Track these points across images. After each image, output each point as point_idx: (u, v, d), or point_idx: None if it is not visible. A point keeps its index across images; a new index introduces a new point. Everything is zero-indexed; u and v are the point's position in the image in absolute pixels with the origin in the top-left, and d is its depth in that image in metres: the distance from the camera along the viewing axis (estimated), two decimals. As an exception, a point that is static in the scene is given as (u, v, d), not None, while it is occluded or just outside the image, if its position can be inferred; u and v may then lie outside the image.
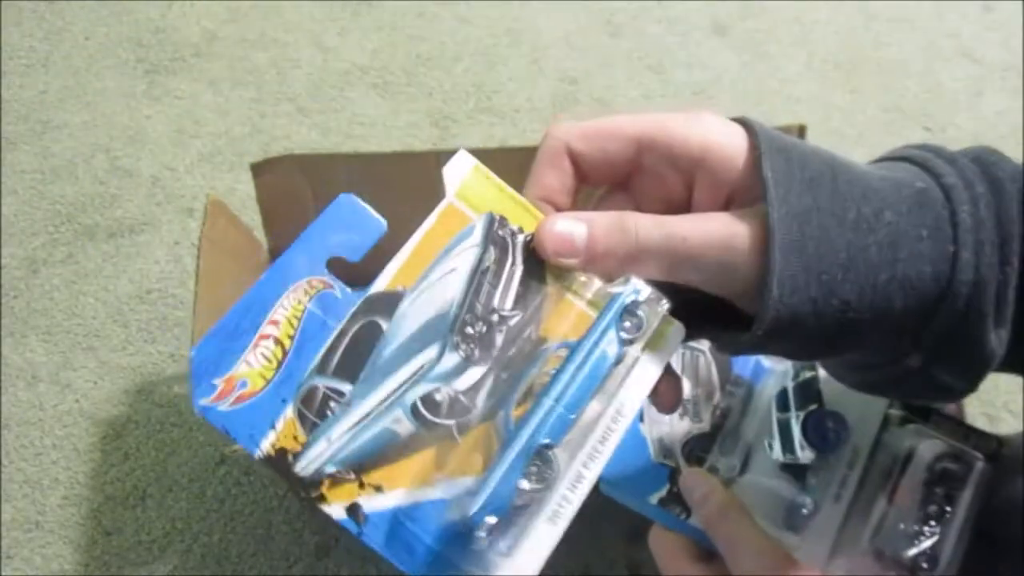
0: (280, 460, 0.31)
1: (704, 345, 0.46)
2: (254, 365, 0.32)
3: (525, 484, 0.31)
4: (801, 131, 0.80)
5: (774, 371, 0.47)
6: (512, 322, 0.33)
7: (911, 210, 0.31)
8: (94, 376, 0.89)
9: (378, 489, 0.32)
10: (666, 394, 0.43)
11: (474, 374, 0.33)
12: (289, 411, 0.32)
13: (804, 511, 0.43)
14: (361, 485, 0.32)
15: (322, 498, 0.31)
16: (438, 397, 0.32)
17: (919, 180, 0.32)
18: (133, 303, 0.94)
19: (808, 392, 0.44)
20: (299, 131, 1.08)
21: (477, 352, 0.33)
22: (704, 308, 0.34)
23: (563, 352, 0.33)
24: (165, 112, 1.10)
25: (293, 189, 0.77)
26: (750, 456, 0.45)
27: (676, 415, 0.45)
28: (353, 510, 0.31)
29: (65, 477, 0.82)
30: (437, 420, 0.32)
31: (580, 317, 0.34)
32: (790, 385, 0.45)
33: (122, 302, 0.94)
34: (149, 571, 0.78)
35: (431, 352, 0.33)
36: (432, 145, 1.08)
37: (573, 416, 0.32)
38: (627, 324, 0.33)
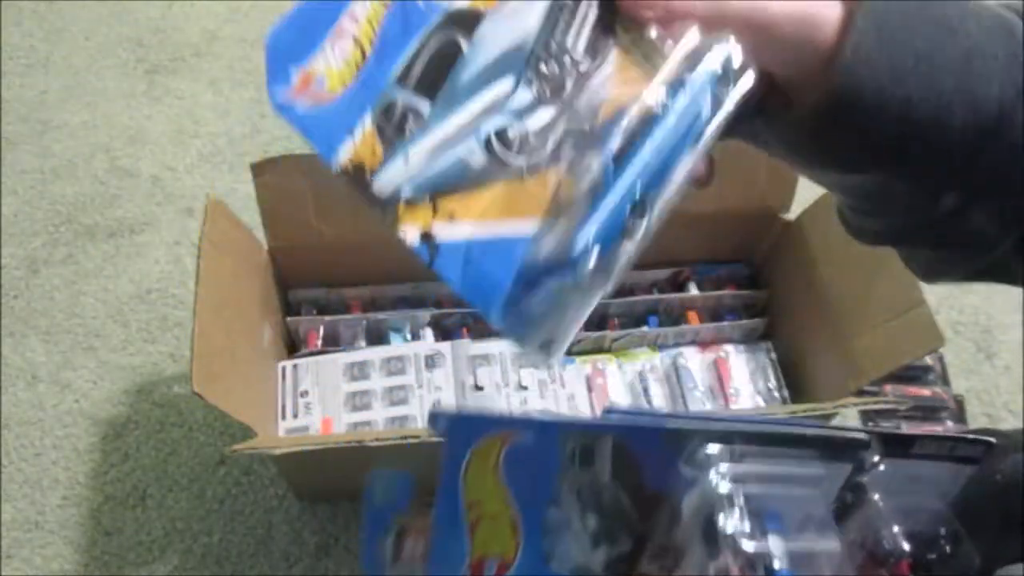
0: (358, 175, 0.31)
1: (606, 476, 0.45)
2: (333, 65, 0.31)
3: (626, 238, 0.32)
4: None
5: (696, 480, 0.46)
6: (582, 68, 0.32)
7: (992, 32, 0.32)
8: (94, 376, 0.89)
9: (451, 218, 0.31)
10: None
11: (544, 115, 0.32)
12: (368, 121, 0.31)
13: None
14: (435, 211, 0.31)
15: (397, 220, 0.31)
16: (511, 133, 0.32)
17: (1008, 13, 0.33)
18: (133, 303, 0.94)
19: None
20: (299, 131, 1.08)
21: (548, 92, 0.32)
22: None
23: (652, 106, 0.32)
24: (165, 112, 1.10)
25: (293, 189, 0.77)
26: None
27: (590, 547, 0.44)
28: (427, 237, 0.31)
29: (65, 477, 0.82)
30: (508, 157, 0.32)
31: (645, 75, 0.32)
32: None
33: (122, 302, 0.94)
34: (149, 571, 0.78)
35: (506, 85, 0.32)
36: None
37: (666, 171, 0.32)
38: (721, 87, 0.32)
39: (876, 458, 0.42)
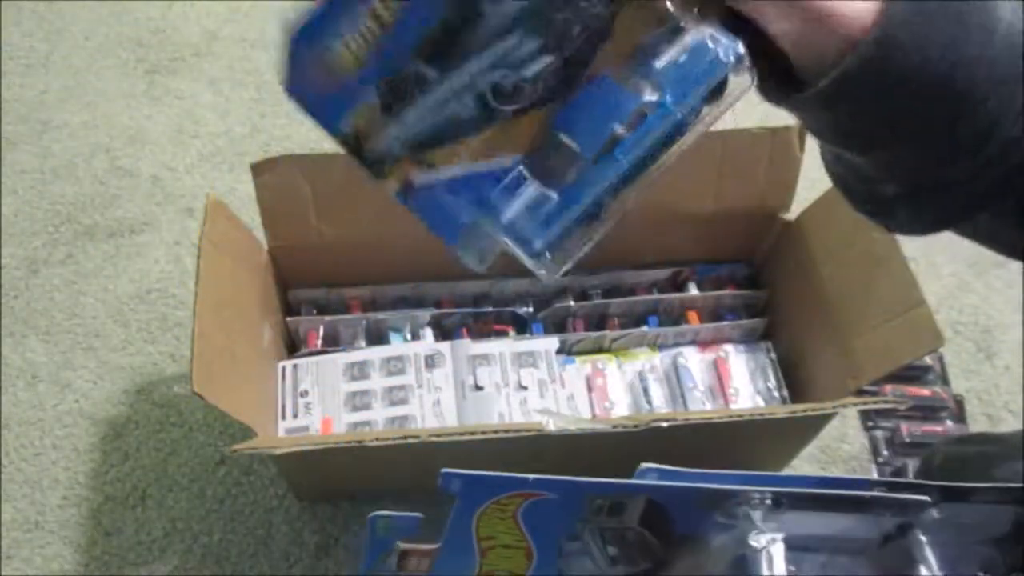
0: (357, 144, 0.33)
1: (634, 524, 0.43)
2: (351, 46, 0.32)
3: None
4: (801, 132, 0.80)
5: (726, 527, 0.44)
6: (590, 12, 0.33)
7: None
8: (94, 376, 0.89)
9: (431, 167, 0.34)
10: None
11: (544, 60, 0.33)
12: (375, 94, 0.33)
13: None
14: (420, 163, 0.34)
15: (383, 177, 0.34)
16: (507, 84, 0.33)
17: None
18: (133, 303, 0.94)
19: None
20: (299, 131, 1.08)
21: (552, 41, 0.33)
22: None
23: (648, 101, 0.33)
24: (165, 112, 1.10)
25: (293, 189, 0.77)
26: None
27: (608, 566, 0.43)
28: (406, 187, 0.35)
29: (65, 477, 0.82)
30: (501, 107, 0.34)
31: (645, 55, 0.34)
32: None
33: (122, 302, 0.94)
34: (149, 571, 0.78)
35: (513, 39, 0.33)
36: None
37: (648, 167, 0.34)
38: (714, 89, 0.33)
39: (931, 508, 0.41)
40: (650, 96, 0.33)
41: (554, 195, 0.35)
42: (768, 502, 0.39)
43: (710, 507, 0.39)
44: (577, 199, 0.35)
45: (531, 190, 0.35)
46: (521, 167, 0.35)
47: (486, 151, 0.34)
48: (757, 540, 0.39)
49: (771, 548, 0.39)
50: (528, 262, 0.36)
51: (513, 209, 0.35)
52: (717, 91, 0.34)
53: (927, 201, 0.36)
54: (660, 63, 0.33)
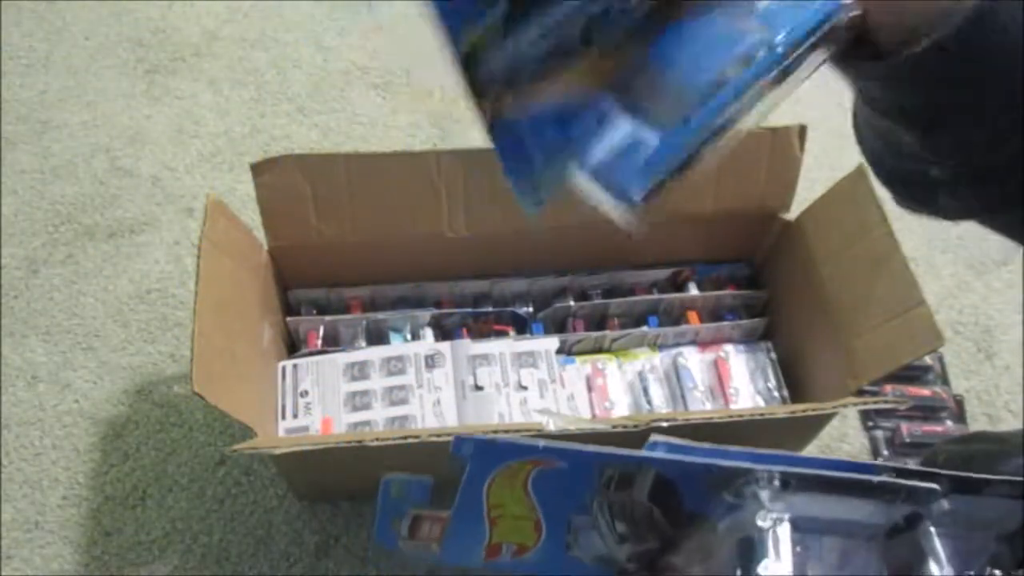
0: (466, 60, 0.30)
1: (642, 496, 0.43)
2: None
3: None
4: (801, 131, 0.80)
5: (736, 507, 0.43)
6: None
7: None
8: (94, 376, 0.89)
9: (525, 98, 0.32)
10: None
11: None
12: (497, 14, 0.30)
13: None
14: (514, 94, 0.31)
15: (483, 99, 0.31)
16: (608, 17, 0.31)
17: None
18: (133, 303, 0.94)
19: None
20: (299, 131, 1.08)
21: None
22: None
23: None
24: (165, 112, 1.10)
25: (293, 189, 0.77)
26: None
27: (616, 543, 0.43)
28: (495, 118, 0.31)
29: (65, 477, 0.82)
30: (605, 34, 0.31)
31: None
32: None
33: (122, 302, 0.94)
34: (149, 571, 0.78)
35: None
36: (432, 145, 1.08)
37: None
38: (823, 36, 0.31)
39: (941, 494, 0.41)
40: (760, 33, 0.31)
41: (653, 138, 0.32)
42: (776, 483, 0.39)
43: (718, 487, 0.39)
44: (678, 145, 0.31)
45: (625, 130, 0.32)
46: (614, 105, 0.32)
47: (579, 86, 0.32)
48: (764, 520, 0.39)
49: (777, 529, 0.38)
50: (616, 210, 0.33)
51: (604, 150, 0.32)
52: (826, 38, 0.31)
53: (970, 187, 0.35)
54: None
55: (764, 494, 0.39)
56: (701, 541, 0.41)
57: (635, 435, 0.65)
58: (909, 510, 0.40)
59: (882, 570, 0.40)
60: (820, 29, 0.31)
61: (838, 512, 0.40)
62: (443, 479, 0.42)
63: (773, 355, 0.87)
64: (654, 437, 0.39)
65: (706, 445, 0.39)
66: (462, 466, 0.39)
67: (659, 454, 0.39)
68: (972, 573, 0.41)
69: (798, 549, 0.39)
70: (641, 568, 0.42)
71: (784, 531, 0.39)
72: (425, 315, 0.86)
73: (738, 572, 0.38)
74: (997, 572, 0.41)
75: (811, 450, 0.85)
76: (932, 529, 0.41)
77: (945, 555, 0.40)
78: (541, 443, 0.38)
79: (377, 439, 0.64)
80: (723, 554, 0.40)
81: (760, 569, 0.37)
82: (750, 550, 0.38)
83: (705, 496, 0.40)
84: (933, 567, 0.40)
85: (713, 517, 0.40)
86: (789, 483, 0.39)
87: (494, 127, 0.32)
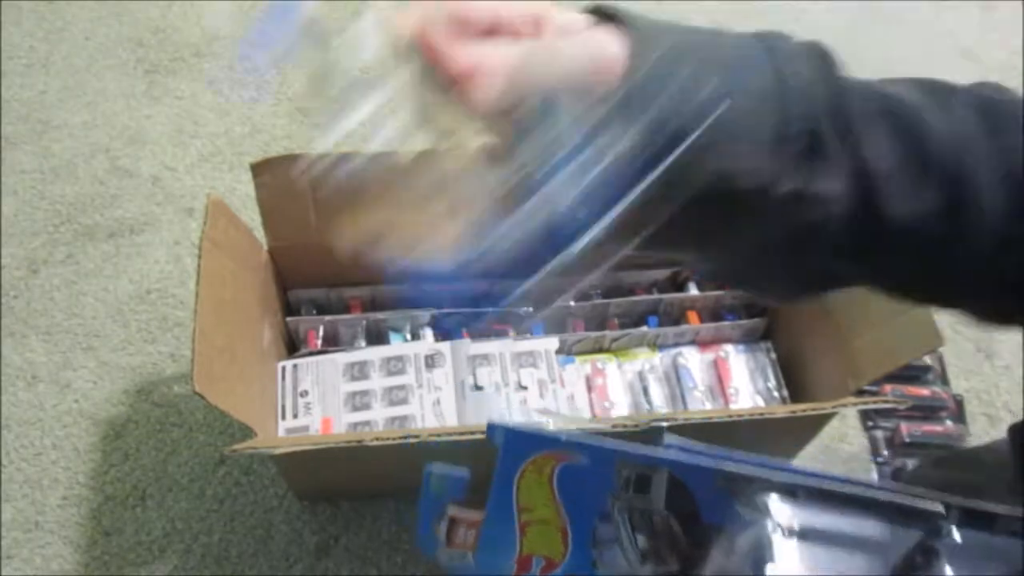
0: None
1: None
2: None
3: None
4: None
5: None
6: None
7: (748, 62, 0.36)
8: (94, 376, 0.89)
9: None
10: None
11: None
12: None
13: None
14: None
15: None
16: None
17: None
18: (133, 303, 0.94)
19: None
20: (299, 131, 1.08)
21: None
22: None
23: None
24: (165, 112, 1.10)
25: (293, 189, 0.77)
26: None
27: (638, 562, 0.44)
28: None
29: (65, 477, 0.82)
30: None
31: None
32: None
33: (122, 302, 0.94)
34: (149, 571, 0.78)
35: None
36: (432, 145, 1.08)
37: None
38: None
39: (952, 527, 0.41)
40: None
41: None
42: (786, 493, 0.39)
43: (728, 488, 0.40)
44: None
45: None
46: None
47: None
48: (775, 531, 0.39)
49: (787, 540, 0.39)
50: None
51: None
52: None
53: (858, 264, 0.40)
54: None
55: (774, 505, 0.40)
56: (722, 562, 0.42)
57: (636, 435, 0.65)
58: (919, 535, 0.40)
59: None
60: None
61: (848, 527, 0.40)
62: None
63: (773, 355, 0.87)
64: (668, 437, 0.40)
65: (717, 448, 0.40)
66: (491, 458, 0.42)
67: (672, 455, 0.40)
68: None
69: (808, 562, 0.39)
70: None
71: (791, 544, 0.39)
72: (425, 315, 0.86)
73: None
74: None
75: (811, 450, 0.84)
76: (949, 571, 0.41)
77: None
78: (563, 435, 0.41)
79: (377, 439, 0.64)
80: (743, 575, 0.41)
81: (768, 570, 0.38)
82: (762, 562, 0.39)
83: (719, 503, 0.41)
84: None
85: (730, 531, 0.41)
86: (797, 494, 0.39)
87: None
